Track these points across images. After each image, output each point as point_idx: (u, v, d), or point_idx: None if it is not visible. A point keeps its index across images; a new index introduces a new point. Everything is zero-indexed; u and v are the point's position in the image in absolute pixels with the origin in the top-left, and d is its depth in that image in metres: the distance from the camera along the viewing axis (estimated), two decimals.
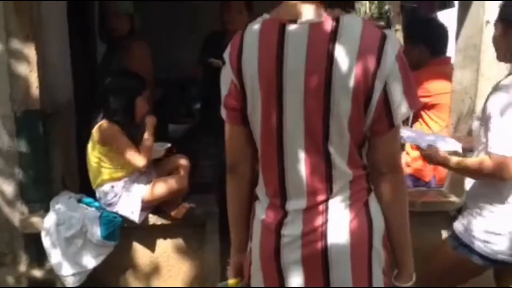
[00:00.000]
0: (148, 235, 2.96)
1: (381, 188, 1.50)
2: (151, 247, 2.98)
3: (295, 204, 1.49)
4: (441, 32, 3.30)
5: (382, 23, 12.16)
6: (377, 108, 1.40)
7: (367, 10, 12.53)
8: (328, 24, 1.38)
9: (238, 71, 1.47)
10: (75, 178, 3.24)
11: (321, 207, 1.47)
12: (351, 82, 1.36)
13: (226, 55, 1.52)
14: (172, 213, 2.85)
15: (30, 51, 2.71)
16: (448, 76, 3.08)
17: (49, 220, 2.79)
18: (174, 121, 5.00)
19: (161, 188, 2.82)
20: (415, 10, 4.62)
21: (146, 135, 2.80)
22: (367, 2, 12.24)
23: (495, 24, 2.17)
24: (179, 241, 2.99)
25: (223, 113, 1.57)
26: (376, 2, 12.23)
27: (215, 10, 3.68)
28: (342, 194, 1.47)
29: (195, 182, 3.11)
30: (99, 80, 3.31)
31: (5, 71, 2.71)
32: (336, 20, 1.39)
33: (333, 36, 1.37)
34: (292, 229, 1.49)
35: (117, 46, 3.54)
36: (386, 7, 11.69)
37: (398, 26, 8.25)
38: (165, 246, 2.99)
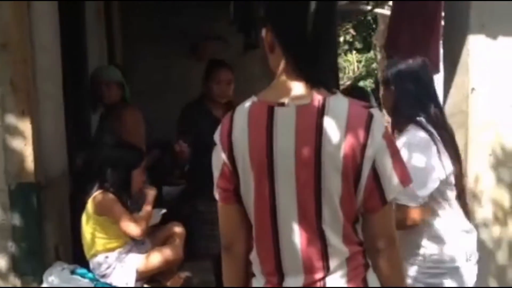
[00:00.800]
0: None
1: (380, 264, 1.51)
2: None
3: (292, 282, 1.48)
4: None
5: (370, 80, 12.44)
6: (368, 185, 1.43)
7: (355, 69, 12.88)
8: (315, 105, 1.42)
9: (230, 152, 1.49)
10: (69, 249, 3.24)
11: (318, 285, 1.47)
12: (340, 161, 1.39)
13: (216, 137, 1.55)
14: (168, 283, 2.85)
15: (25, 126, 2.77)
16: None
17: None
18: (168, 183, 5.03)
19: (156, 258, 2.82)
20: None
21: (145, 206, 2.81)
22: (355, 61, 12.58)
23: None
24: None
25: (216, 193, 1.58)
26: (363, 61, 12.57)
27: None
28: (340, 272, 1.47)
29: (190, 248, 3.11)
30: (94, 150, 3.37)
31: (0, 146, 2.76)
32: (324, 100, 1.43)
33: (321, 116, 1.41)
34: None
35: (109, 114, 3.62)
36: (374, 65, 12.00)
37: None
38: None
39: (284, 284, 1.49)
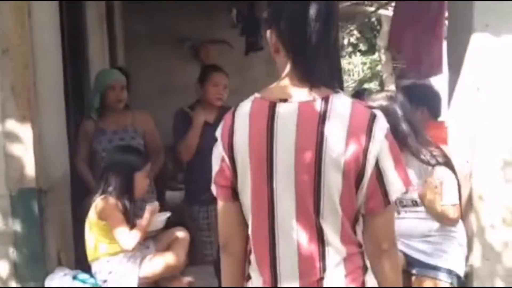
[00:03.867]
0: None
1: (383, 266, 1.49)
2: None
3: (288, 285, 1.47)
4: (438, 96, 3.40)
5: (375, 82, 12.40)
6: (370, 186, 1.42)
7: (360, 71, 12.84)
8: (318, 103, 1.42)
9: (230, 148, 1.49)
10: (71, 254, 3.23)
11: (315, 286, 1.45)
12: (342, 160, 1.39)
13: (218, 133, 1.55)
14: None
15: (26, 131, 2.75)
16: (445, 140, 3.14)
17: None
18: (171, 188, 5.03)
19: (159, 264, 2.79)
20: (405, 72, 4.75)
21: (142, 221, 2.79)
22: (360, 63, 12.55)
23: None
24: None
25: (214, 189, 1.58)
26: (368, 63, 12.53)
27: None
28: (337, 273, 1.45)
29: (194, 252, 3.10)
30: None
31: (1, 151, 2.74)
32: (326, 99, 1.42)
33: (323, 114, 1.40)
34: None
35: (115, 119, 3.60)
36: (379, 67, 11.96)
37: (392, 87, 8.43)
38: None
39: (279, 285, 1.47)
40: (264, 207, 1.47)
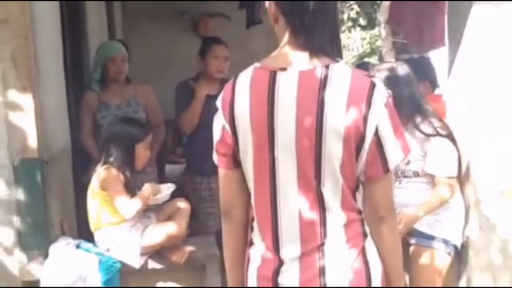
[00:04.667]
0: (147, 279, 2.95)
1: (382, 232, 1.53)
2: None
3: (290, 251, 1.50)
4: (435, 70, 3.41)
5: (375, 57, 12.35)
6: (370, 153, 1.45)
7: (359, 46, 12.78)
8: (318, 72, 1.43)
9: (231, 117, 1.51)
10: (73, 223, 3.27)
11: (316, 254, 1.48)
12: (342, 128, 1.41)
13: (218, 102, 1.57)
14: (173, 258, 2.85)
15: (28, 102, 2.76)
16: (443, 113, 3.15)
17: (48, 268, 2.79)
18: (170, 162, 5.05)
19: (160, 233, 2.83)
20: (406, 46, 4.74)
21: (144, 191, 2.82)
22: (359, 38, 12.48)
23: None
24: (180, 284, 2.97)
25: (215, 158, 1.61)
26: (368, 38, 12.46)
27: None
28: (337, 239, 1.49)
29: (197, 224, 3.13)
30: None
31: (2, 122, 2.76)
32: (326, 67, 1.44)
33: (323, 83, 1.42)
34: (289, 278, 1.50)
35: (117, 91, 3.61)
36: (378, 42, 11.90)
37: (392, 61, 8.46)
38: None
39: (282, 254, 1.51)
40: (266, 174, 1.50)
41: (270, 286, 1.52)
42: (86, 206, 2.92)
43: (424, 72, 3.35)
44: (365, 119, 1.42)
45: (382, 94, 1.45)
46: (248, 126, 1.48)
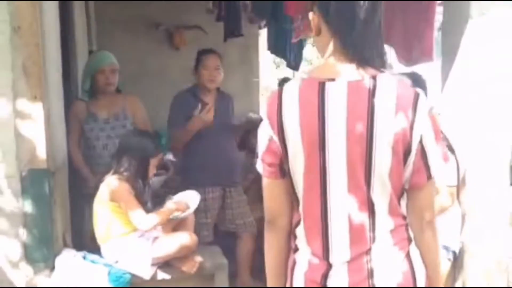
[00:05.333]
0: None
1: (427, 236, 1.60)
2: None
3: (339, 256, 1.54)
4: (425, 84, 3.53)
5: None
6: (416, 161, 1.52)
7: None
8: (366, 82, 1.49)
9: (279, 127, 1.54)
10: (72, 236, 3.21)
11: (365, 258, 1.53)
12: (391, 136, 1.47)
13: (263, 113, 1.60)
14: (183, 268, 2.85)
15: (38, 111, 2.72)
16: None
17: (56, 281, 2.74)
18: None
19: (173, 244, 2.83)
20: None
21: (166, 210, 2.84)
22: None
23: None
24: None
25: (261, 168, 1.62)
26: None
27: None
28: (385, 244, 1.54)
29: None
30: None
31: (12, 132, 2.70)
32: (373, 78, 1.50)
33: (372, 93, 1.48)
34: (338, 282, 1.54)
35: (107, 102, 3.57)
36: None
37: None
38: None
39: (331, 258, 1.55)
40: (316, 181, 1.54)
41: None
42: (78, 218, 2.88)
43: (417, 86, 3.47)
44: (411, 127, 1.49)
45: (426, 103, 1.52)
46: (299, 135, 1.52)
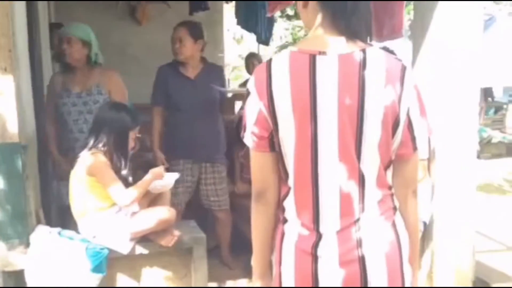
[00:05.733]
0: (134, 265, 2.92)
1: (412, 204, 1.66)
2: (138, 277, 2.94)
3: (329, 226, 1.57)
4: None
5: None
6: (404, 133, 1.56)
7: (282, 36, 13.02)
8: (356, 55, 1.51)
9: (269, 100, 1.54)
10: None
11: (354, 228, 1.57)
12: (381, 109, 1.51)
13: (251, 86, 1.59)
14: (162, 242, 2.84)
15: (8, 84, 2.63)
16: None
17: (32, 257, 2.69)
18: None
19: (151, 218, 2.81)
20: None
21: (145, 182, 2.79)
22: (283, 28, 12.71)
23: None
24: (167, 268, 2.97)
25: (249, 141, 1.62)
26: (290, 29, 12.70)
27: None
28: (372, 214, 1.58)
29: None
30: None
31: None
32: (363, 51, 1.52)
33: (362, 66, 1.50)
34: (328, 251, 1.57)
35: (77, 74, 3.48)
36: (301, 33, 12.20)
37: None
38: (152, 275, 2.96)
39: (321, 228, 1.58)
40: (307, 153, 1.55)
41: (310, 258, 1.59)
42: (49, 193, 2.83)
43: None
44: (399, 100, 1.52)
45: (412, 76, 1.56)
46: (290, 108, 1.53)
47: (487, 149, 9.55)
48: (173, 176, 2.95)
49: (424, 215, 3.03)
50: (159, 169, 2.88)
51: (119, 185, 2.69)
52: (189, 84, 3.58)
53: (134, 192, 2.72)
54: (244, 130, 1.62)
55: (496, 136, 9.97)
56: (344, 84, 1.50)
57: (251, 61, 6.32)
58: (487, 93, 11.09)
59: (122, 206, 2.73)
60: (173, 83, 3.61)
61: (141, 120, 3.03)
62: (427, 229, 3.17)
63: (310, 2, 1.57)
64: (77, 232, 2.84)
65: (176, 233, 2.88)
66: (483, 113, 10.28)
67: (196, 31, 3.67)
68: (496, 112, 11.65)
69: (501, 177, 7.62)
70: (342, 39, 1.53)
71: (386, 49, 3.52)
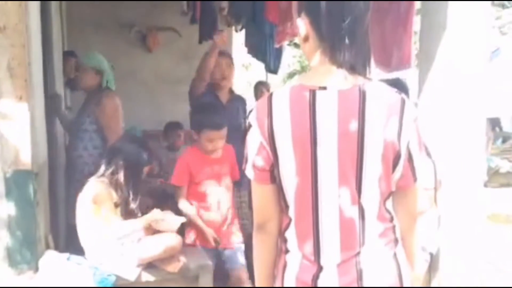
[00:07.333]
0: None
1: (416, 233, 1.69)
2: None
3: (330, 259, 1.59)
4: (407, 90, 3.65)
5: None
6: (404, 166, 1.59)
7: (290, 64, 13.09)
8: (356, 91, 1.53)
9: (270, 134, 1.57)
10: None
11: (354, 261, 1.58)
12: (381, 144, 1.53)
13: (252, 119, 1.62)
14: (168, 268, 2.86)
15: (23, 112, 2.70)
16: None
17: (40, 283, 2.71)
18: None
19: (159, 245, 2.84)
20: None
21: (142, 222, 2.86)
22: (290, 56, 12.79)
23: None
24: None
25: (251, 173, 1.64)
26: (298, 56, 12.78)
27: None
28: (374, 247, 1.60)
29: None
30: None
31: None
32: (362, 86, 1.54)
33: (362, 102, 1.52)
34: (329, 283, 1.58)
35: (88, 99, 3.67)
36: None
37: None
38: None
39: (322, 261, 1.59)
40: (308, 187, 1.57)
41: None
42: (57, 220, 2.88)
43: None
44: (399, 134, 1.54)
45: (412, 110, 1.58)
46: (290, 143, 1.55)
47: (495, 178, 9.49)
48: (178, 220, 2.95)
49: (431, 245, 3.03)
50: (156, 216, 2.90)
51: (113, 219, 2.78)
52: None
53: (127, 226, 2.80)
54: (246, 162, 1.65)
55: (504, 166, 9.92)
56: (344, 119, 1.52)
57: (260, 89, 6.39)
58: (494, 123, 11.08)
59: (114, 240, 2.79)
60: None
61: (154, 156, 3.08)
62: (434, 259, 3.17)
63: (310, 35, 1.60)
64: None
65: (182, 259, 2.90)
66: (490, 143, 10.24)
67: None
68: (503, 142, 11.62)
69: (509, 207, 7.58)
70: (342, 72, 1.55)
71: (398, 80, 3.58)
